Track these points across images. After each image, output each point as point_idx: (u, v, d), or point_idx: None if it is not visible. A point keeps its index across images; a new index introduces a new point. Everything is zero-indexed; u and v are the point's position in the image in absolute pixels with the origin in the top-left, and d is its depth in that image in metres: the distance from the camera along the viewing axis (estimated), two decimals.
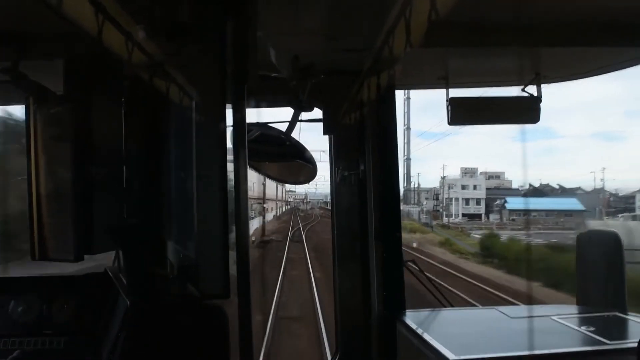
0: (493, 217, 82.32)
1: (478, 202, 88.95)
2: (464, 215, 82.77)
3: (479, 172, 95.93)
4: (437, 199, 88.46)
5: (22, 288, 2.72)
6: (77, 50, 2.38)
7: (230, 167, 2.12)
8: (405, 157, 73.41)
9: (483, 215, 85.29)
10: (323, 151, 3.93)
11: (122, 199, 2.43)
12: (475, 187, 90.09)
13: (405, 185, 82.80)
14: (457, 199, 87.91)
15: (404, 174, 78.62)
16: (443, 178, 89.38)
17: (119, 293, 2.41)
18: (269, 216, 63.00)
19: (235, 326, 2.04)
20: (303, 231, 45.98)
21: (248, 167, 2.96)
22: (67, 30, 2.11)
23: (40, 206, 2.42)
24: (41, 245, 2.42)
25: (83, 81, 2.39)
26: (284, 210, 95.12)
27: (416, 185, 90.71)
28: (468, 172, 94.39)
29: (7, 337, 2.55)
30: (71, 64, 2.41)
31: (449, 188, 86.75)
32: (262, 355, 10.64)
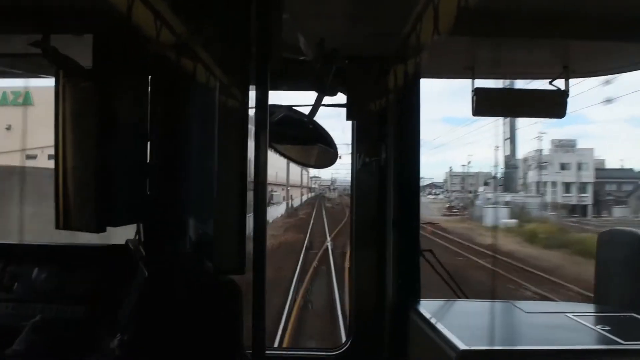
0: (620, 212, 54.06)
1: (582, 188, 59.63)
2: (563, 207, 54.89)
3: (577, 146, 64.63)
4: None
5: (45, 255, 2.80)
6: (106, 27, 2.42)
7: (250, 146, 2.14)
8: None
9: (590, 208, 56.42)
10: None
11: (145, 174, 2.47)
12: (580, 166, 60.79)
13: (507, 160, 54.84)
14: (554, 184, 58.21)
15: (504, 144, 52.06)
16: (539, 151, 59.65)
17: (138, 265, 2.47)
18: (274, 213, 39.10)
19: (250, 302, 2.08)
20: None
21: (270, 148, 3.00)
22: (97, 6, 2.15)
23: (66, 177, 2.48)
24: (66, 214, 2.49)
25: (111, 57, 2.43)
26: (303, 200, 73.22)
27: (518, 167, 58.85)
28: (563, 146, 64.21)
29: (29, 303, 2.63)
30: (100, 40, 2.45)
31: (540, 168, 59.18)
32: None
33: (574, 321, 3.06)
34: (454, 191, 71.80)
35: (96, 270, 2.69)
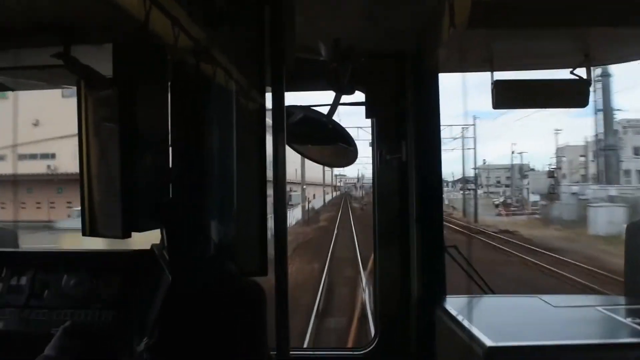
0: None
1: None
2: None
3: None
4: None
5: (75, 262, 2.87)
6: (125, 36, 2.46)
7: (269, 148, 2.16)
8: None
9: None
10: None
11: (167, 179, 2.51)
12: None
13: (603, 140, 41.37)
14: (626, 172, 46.09)
15: (595, 118, 38.93)
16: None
17: (163, 270, 2.51)
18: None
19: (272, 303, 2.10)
20: None
21: (291, 149, 3.02)
22: (116, 16, 2.19)
23: (91, 185, 2.53)
24: (92, 222, 2.54)
25: (131, 65, 2.47)
26: (327, 200, 66.68)
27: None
28: (633, 126, 50.92)
29: (60, 309, 2.70)
30: (120, 49, 2.49)
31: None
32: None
33: (604, 314, 3.01)
34: (490, 185, 66.37)
35: (123, 275, 2.75)
